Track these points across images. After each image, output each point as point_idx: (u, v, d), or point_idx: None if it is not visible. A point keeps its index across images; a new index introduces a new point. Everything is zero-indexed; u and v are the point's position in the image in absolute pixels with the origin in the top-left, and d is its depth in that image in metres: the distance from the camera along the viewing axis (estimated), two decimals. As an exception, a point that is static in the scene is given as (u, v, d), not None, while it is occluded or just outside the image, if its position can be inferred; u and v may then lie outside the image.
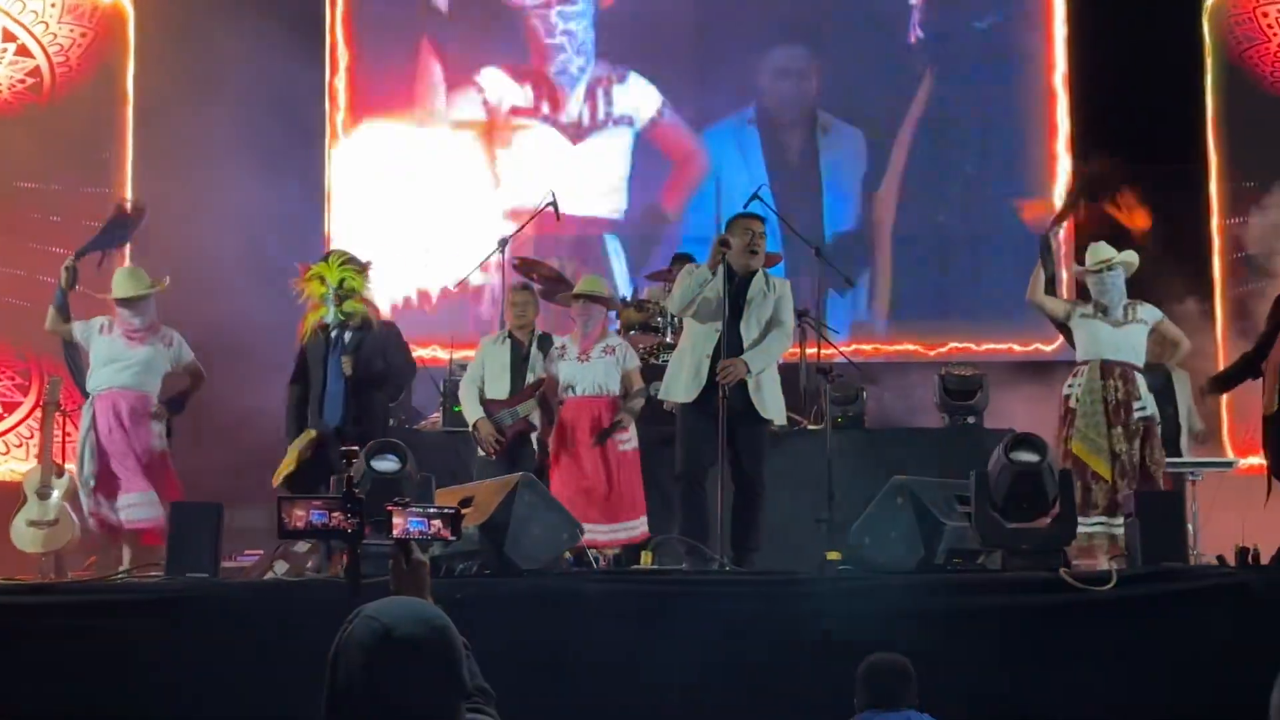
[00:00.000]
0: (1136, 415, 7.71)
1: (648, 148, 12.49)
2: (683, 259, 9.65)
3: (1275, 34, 11.81)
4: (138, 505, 8.03)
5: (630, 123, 12.44)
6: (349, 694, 2.36)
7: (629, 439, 8.03)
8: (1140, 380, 7.81)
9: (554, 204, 10.44)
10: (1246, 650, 5.64)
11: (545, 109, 12.46)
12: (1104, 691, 5.89)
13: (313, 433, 7.87)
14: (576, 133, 12.46)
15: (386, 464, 6.64)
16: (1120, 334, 7.86)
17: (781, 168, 12.34)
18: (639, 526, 7.90)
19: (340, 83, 12.30)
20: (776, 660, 5.99)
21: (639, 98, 12.48)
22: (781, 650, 6.01)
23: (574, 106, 12.48)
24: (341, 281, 7.99)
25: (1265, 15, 11.89)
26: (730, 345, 7.60)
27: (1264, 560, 6.30)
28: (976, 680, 5.85)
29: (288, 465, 7.76)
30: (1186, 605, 5.94)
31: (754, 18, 12.52)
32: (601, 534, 7.73)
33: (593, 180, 12.36)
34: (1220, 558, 6.57)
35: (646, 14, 12.45)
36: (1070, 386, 7.88)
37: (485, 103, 12.46)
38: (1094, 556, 7.36)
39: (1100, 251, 8.06)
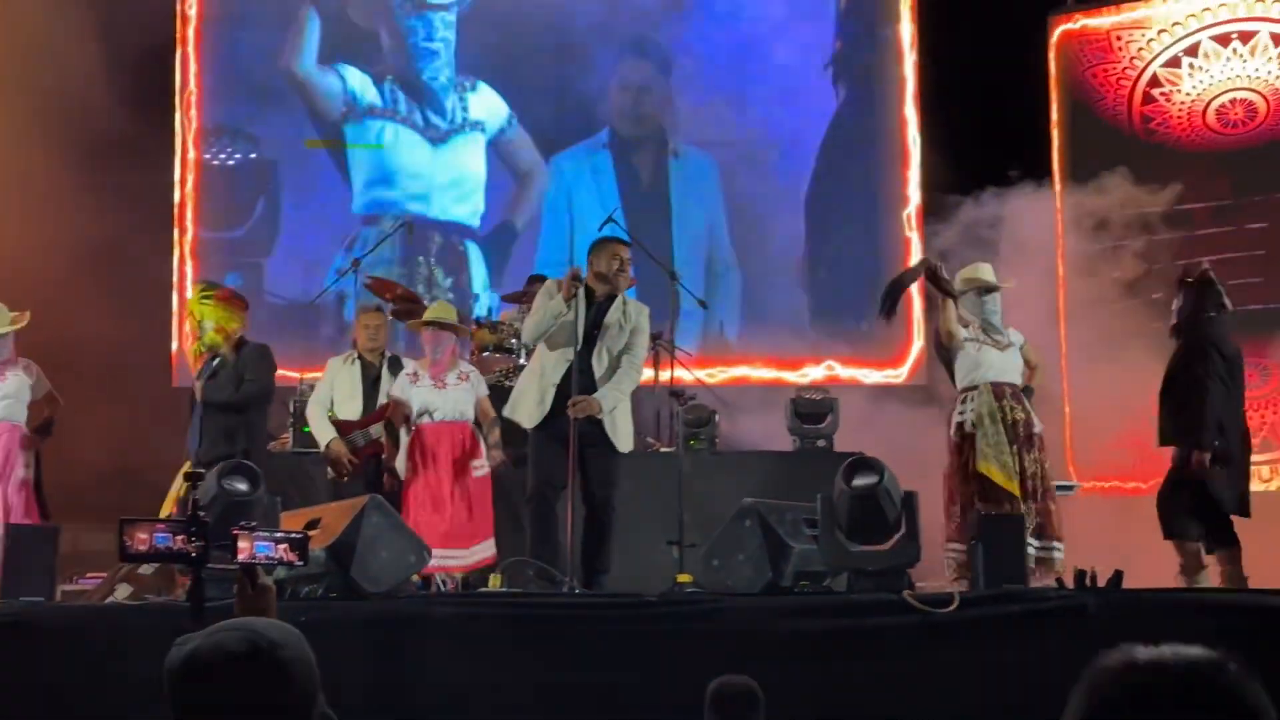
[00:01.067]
0: (1036, 431, 7.76)
1: (495, 159, 12.55)
2: (538, 279, 9.64)
3: (1114, 71, 12.15)
4: None
5: (482, 129, 12.49)
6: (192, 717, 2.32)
7: (481, 465, 8.00)
8: (1026, 400, 7.89)
9: (408, 224, 10.41)
10: (1083, 670, 5.79)
11: (404, 110, 12.46)
12: (948, 712, 5.98)
13: (187, 465, 7.84)
14: (435, 135, 12.47)
15: (236, 486, 6.55)
16: (1004, 356, 7.83)
17: (634, 191, 12.44)
18: (488, 550, 7.89)
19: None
20: (625, 682, 5.99)
21: (489, 107, 12.53)
22: (630, 672, 6.00)
23: (437, 110, 12.50)
24: (202, 315, 8.07)
25: (1103, 59, 12.23)
26: (580, 375, 7.57)
27: (1100, 582, 6.44)
28: (823, 703, 5.90)
29: (168, 504, 7.73)
30: (1026, 627, 6.05)
31: (610, 42, 12.62)
32: (453, 560, 7.69)
33: (451, 184, 12.38)
34: (1060, 580, 6.70)
35: (507, 25, 12.50)
36: (961, 413, 7.73)
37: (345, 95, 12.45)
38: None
39: (984, 273, 8.05)
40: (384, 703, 5.79)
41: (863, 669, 6.06)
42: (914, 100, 12.49)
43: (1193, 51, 11.91)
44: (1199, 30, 11.96)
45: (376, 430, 8.25)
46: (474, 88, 12.61)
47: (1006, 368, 7.80)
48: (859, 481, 6.57)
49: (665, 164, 12.63)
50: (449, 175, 12.52)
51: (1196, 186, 11.71)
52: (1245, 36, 11.83)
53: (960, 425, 7.70)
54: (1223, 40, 11.87)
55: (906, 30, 12.66)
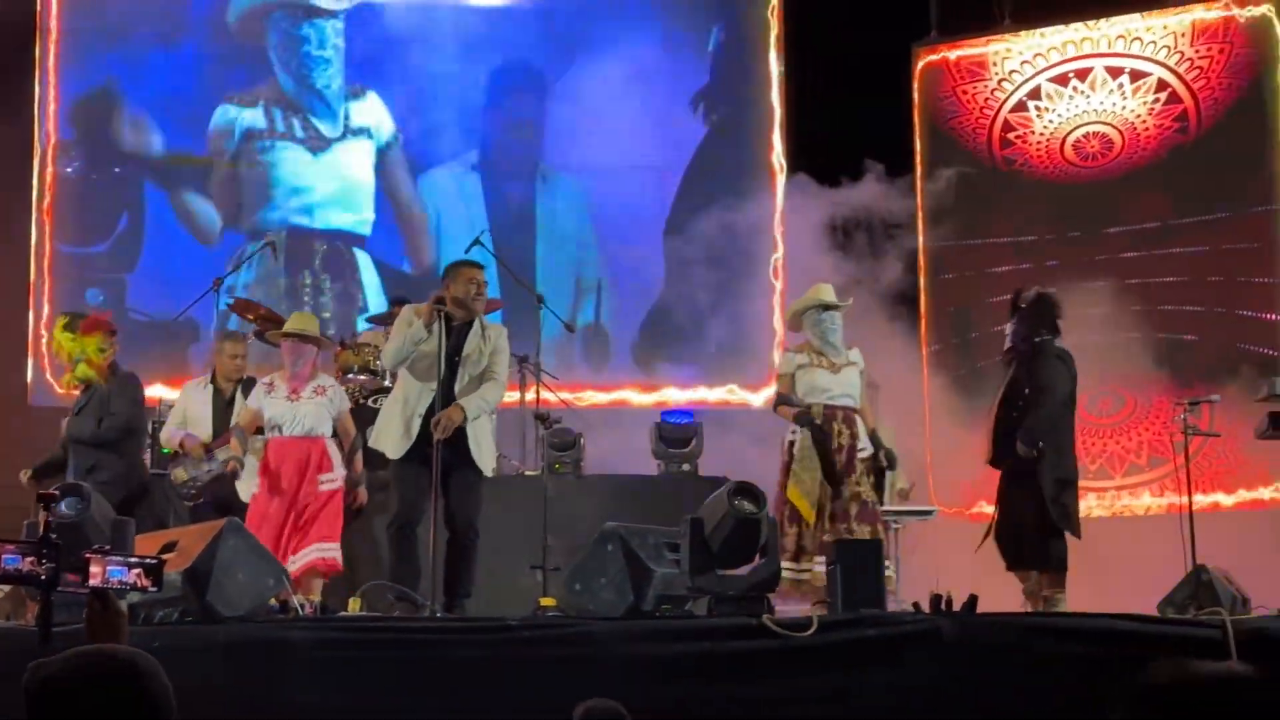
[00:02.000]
0: (861, 456, 7.90)
1: (384, 168, 12.50)
2: (401, 302, 9.60)
3: (974, 104, 12.41)
4: None
5: (369, 135, 12.43)
6: None
7: (331, 479, 7.94)
8: (860, 423, 8.01)
9: (273, 244, 10.31)
10: (938, 692, 5.89)
11: (283, 126, 12.35)
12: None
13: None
14: (320, 144, 12.38)
15: (66, 508, 6.41)
16: (838, 378, 8.00)
17: (503, 214, 12.44)
18: (332, 550, 7.82)
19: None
20: (489, 707, 5.95)
21: (378, 115, 12.49)
22: (493, 696, 5.97)
23: (328, 117, 12.42)
24: (70, 350, 8.03)
25: (965, 92, 12.49)
26: (444, 403, 7.52)
27: (956, 606, 6.54)
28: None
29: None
30: (883, 650, 6.12)
31: (485, 63, 12.63)
32: (295, 561, 7.65)
33: (338, 193, 12.30)
34: (915, 604, 6.80)
35: (385, 39, 12.47)
36: (794, 434, 7.93)
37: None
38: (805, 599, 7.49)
39: (824, 293, 8.19)
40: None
41: (724, 692, 6.08)
42: (780, 129, 12.64)
43: (1035, 95, 12.22)
44: (1035, 75, 12.26)
45: (224, 454, 8.15)
46: (363, 95, 12.55)
47: (838, 389, 7.95)
48: (745, 506, 6.59)
49: (534, 187, 12.65)
50: (335, 184, 12.42)
51: (1052, 218, 12.01)
52: (1081, 75, 12.15)
53: (791, 445, 7.93)
54: (1061, 80, 12.18)
55: (774, 64, 12.80)
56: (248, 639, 6.02)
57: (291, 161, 12.40)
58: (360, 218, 12.46)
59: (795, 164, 12.46)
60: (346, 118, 12.52)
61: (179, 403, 8.64)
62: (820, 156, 11.80)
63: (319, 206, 12.39)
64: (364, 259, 12.43)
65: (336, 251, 12.37)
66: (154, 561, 3.16)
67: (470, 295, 7.67)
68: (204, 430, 8.40)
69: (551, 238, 12.57)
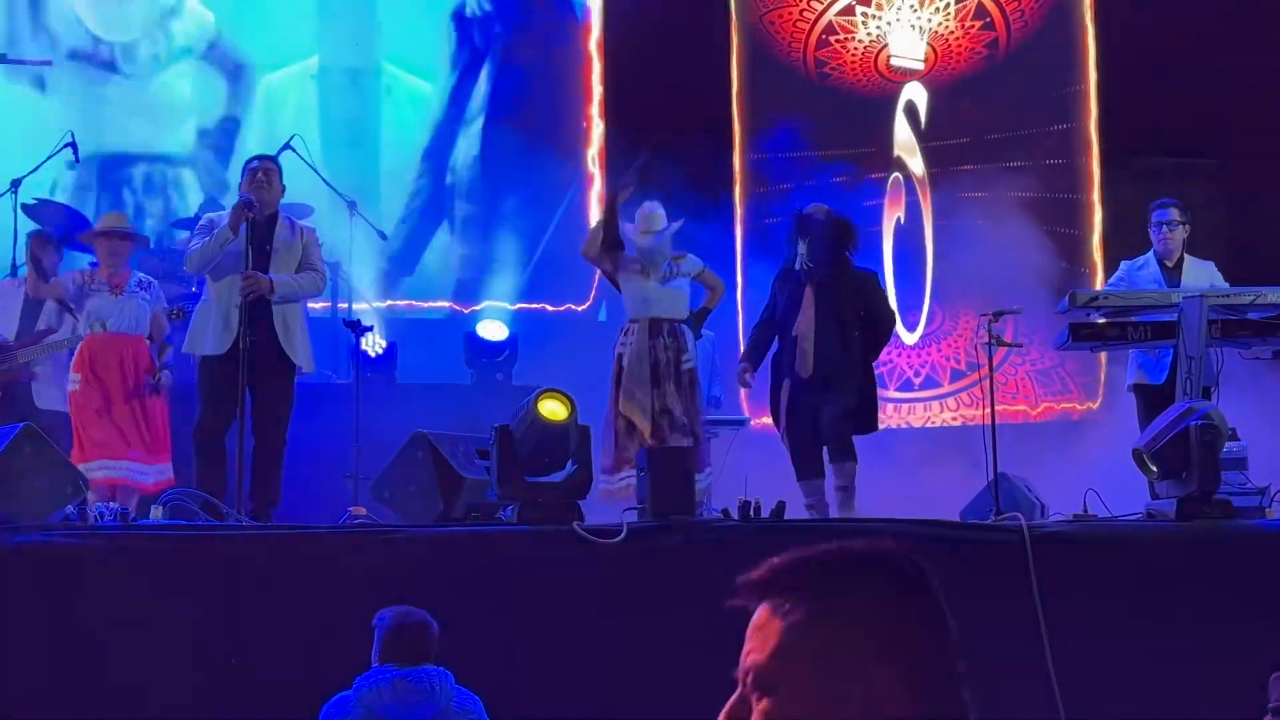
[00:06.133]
0: (685, 368, 7.97)
1: (204, 76, 12.05)
2: (211, 205, 9.40)
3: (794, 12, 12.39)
4: None
5: (189, 53, 11.98)
6: None
7: (155, 383, 7.78)
8: (687, 333, 8.07)
9: (73, 144, 9.97)
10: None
11: (104, 50, 11.87)
12: (618, 642, 6.06)
13: None
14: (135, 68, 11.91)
15: None
16: (665, 291, 8.08)
17: (340, 120, 12.09)
18: (167, 474, 7.74)
19: None
20: (293, 615, 5.88)
21: (195, 25, 12.04)
22: (299, 605, 5.90)
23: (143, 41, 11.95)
24: None
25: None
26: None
27: (764, 513, 6.63)
28: (495, 634, 5.91)
29: None
30: (691, 556, 6.18)
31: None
32: (137, 474, 7.53)
33: (157, 112, 11.86)
34: (725, 510, 6.87)
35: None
36: (623, 345, 8.01)
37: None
38: None
39: (655, 220, 8.18)
40: (37, 640, 5.56)
41: (534, 600, 6.09)
42: (598, 49, 12.49)
43: (865, 0, 12.26)
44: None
45: (25, 355, 7.97)
46: (177, 11, 12.06)
47: (666, 302, 8.03)
48: (551, 412, 6.53)
49: (376, 95, 12.31)
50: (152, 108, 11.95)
51: (865, 132, 12.11)
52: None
53: (620, 357, 7.99)
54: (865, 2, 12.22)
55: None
56: (45, 549, 5.85)
57: (97, 81, 11.87)
58: (179, 136, 12.01)
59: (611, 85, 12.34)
60: (166, 36, 12.03)
61: None
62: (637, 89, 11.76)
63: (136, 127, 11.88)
64: (188, 176, 12.02)
65: (154, 170, 11.92)
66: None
67: (254, 186, 7.57)
68: (9, 329, 8.17)
69: (394, 146, 12.28)
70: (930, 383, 11.88)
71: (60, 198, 10.88)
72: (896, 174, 12.11)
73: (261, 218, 7.53)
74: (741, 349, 9.12)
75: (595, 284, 11.99)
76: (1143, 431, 7.28)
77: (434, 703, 4.88)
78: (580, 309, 12.03)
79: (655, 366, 7.89)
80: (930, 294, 11.90)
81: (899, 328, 10.57)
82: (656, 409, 7.84)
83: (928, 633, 1.68)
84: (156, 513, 6.66)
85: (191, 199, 11.71)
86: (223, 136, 11.99)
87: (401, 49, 12.37)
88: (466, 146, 12.36)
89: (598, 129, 12.29)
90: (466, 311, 11.78)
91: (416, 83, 12.37)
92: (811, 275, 8.04)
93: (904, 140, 12.14)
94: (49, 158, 10.14)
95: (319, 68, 12.21)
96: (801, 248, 8.08)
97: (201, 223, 7.74)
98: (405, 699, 4.85)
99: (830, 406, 7.89)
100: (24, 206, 9.61)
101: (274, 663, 5.78)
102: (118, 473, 7.57)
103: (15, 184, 9.59)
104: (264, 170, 7.69)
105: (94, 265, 8.15)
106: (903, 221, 12.03)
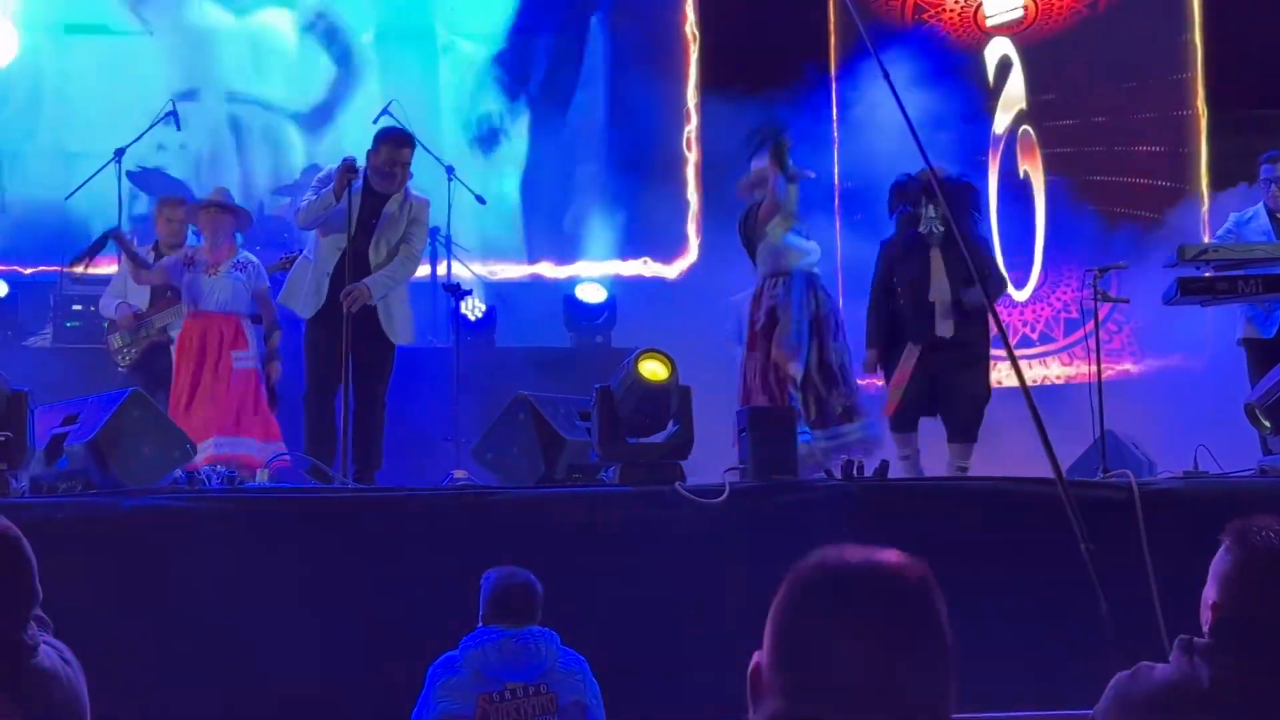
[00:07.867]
0: (840, 320, 7.90)
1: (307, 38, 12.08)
2: (315, 169, 9.45)
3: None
4: None
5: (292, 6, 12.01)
6: None
7: (245, 357, 7.77)
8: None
9: (174, 114, 10.08)
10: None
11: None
12: (722, 601, 6.02)
13: None
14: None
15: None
16: (811, 243, 7.89)
17: (406, 84, 12.11)
18: (280, 449, 7.70)
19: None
20: (401, 577, 5.91)
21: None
22: (404, 566, 5.93)
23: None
24: None
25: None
26: (355, 266, 7.44)
27: (867, 473, 6.56)
28: (600, 594, 5.90)
29: None
30: (796, 515, 6.14)
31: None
32: (243, 448, 7.53)
33: (263, 63, 11.92)
34: (828, 470, 6.81)
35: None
36: (773, 297, 7.73)
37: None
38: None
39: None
40: (148, 602, 5.64)
41: (636, 560, 6.08)
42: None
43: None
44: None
45: (161, 321, 8.07)
46: None
47: (815, 254, 7.91)
48: (652, 373, 6.48)
49: (436, 58, 12.32)
50: (257, 53, 11.96)
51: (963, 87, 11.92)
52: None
53: (772, 310, 7.69)
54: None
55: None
56: (151, 511, 5.92)
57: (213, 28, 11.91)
58: (287, 90, 12.04)
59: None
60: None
61: (119, 271, 8.51)
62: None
63: (247, 75, 11.92)
64: (295, 132, 12.06)
65: (272, 125, 11.97)
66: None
67: (391, 169, 7.56)
68: (143, 299, 8.30)
69: (463, 110, 12.31)
70: (1046, 339, 11.75)
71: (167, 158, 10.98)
72: (997, 129, 11.92)
73: (382, 193, 7.58)
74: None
75: (693, 246, 11.96)
76: (1253, 386, 7.12)
77: (540, 663, 4.89)
78: (672, 273, 11.99)
79: (814, 320, 7.75)
80: (1040, 251, 11.74)
81: (1009, 288, 10.45)
82: (814, 362, 7.69)
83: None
84: (263, 475, 6.72)
85: (295, 160, 11.81)
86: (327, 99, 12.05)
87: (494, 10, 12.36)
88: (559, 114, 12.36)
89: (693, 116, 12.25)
90: (564, 276, 11.79)
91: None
92: (938, 238, 7.91)
93: (1010, 94, 11.96)
94: (151, 126, 10.25)
95: (423, 34, 12.22)
96: (930, 210, 7.92)
97: (320, 175, 7.76)
98: (511, 660, 4.86)
99: (968, 387, 7.83)
100: (129, 174, 9.72)
101: (380, 625, 5.82)
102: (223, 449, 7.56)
103: (119, 154, 9.71)
104: (400, 164, 7.64)
105: (199, 236, 8.20)
106: (1010, 176, 11.85)
